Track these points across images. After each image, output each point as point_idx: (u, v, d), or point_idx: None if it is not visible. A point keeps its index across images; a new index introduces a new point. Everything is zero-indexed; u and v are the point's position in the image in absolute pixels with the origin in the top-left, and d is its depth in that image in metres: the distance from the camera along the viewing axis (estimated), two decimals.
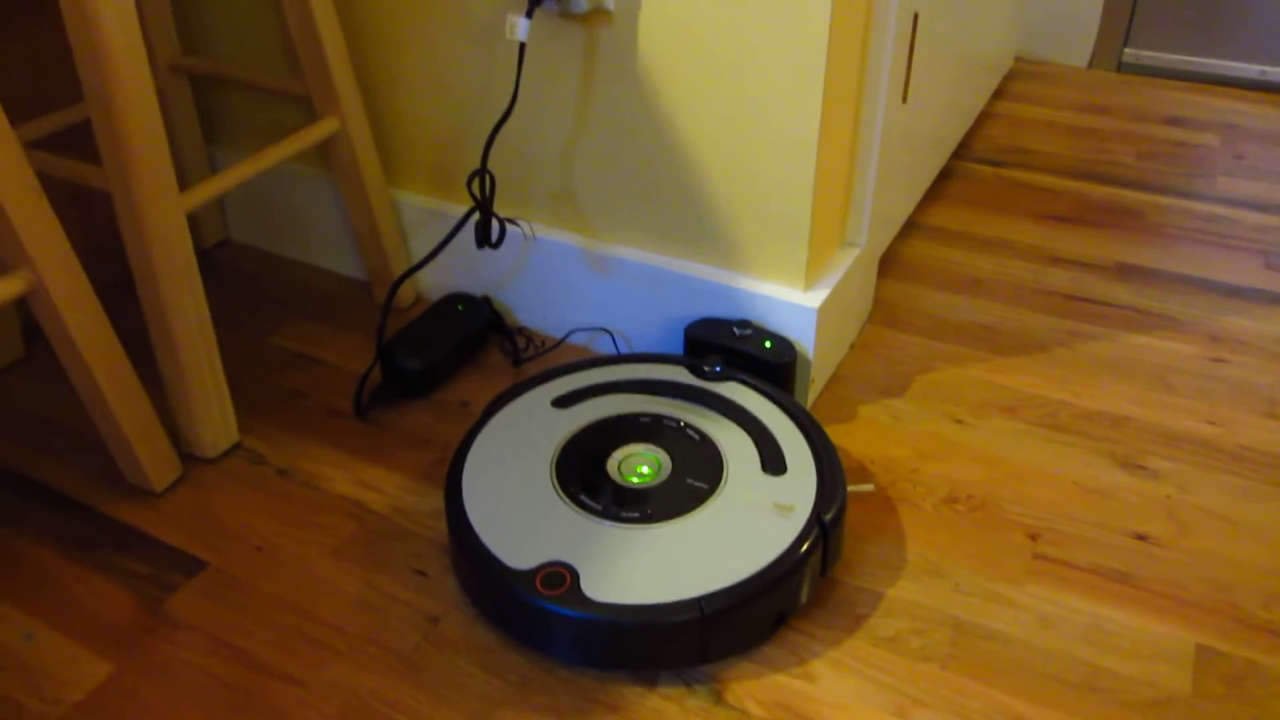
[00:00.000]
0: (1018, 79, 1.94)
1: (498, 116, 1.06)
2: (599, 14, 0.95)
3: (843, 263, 1.06)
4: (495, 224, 1.05)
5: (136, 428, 0.93)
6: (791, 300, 0.99)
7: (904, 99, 1.08)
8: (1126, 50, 1.97)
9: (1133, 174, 1.57)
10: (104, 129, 0.84)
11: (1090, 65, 2.00)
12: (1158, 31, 1.94)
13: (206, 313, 0.95)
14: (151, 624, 0.83)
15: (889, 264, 1.32)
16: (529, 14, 0.92)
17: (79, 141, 1.17)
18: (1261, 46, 1.86)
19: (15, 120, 1.07)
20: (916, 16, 1.05)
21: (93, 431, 1.03)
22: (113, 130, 0.83)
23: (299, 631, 0.82)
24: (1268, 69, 1.87)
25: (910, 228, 1.41)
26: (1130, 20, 1.95)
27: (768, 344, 0.98)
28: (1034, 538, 0.91)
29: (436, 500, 0.95)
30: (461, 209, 1.15)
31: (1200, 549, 0.90)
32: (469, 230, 1.14)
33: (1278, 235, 1.40)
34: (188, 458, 1.00)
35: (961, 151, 1.65)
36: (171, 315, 0.92)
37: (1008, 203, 1.49)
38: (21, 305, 1.14)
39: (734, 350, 0.98)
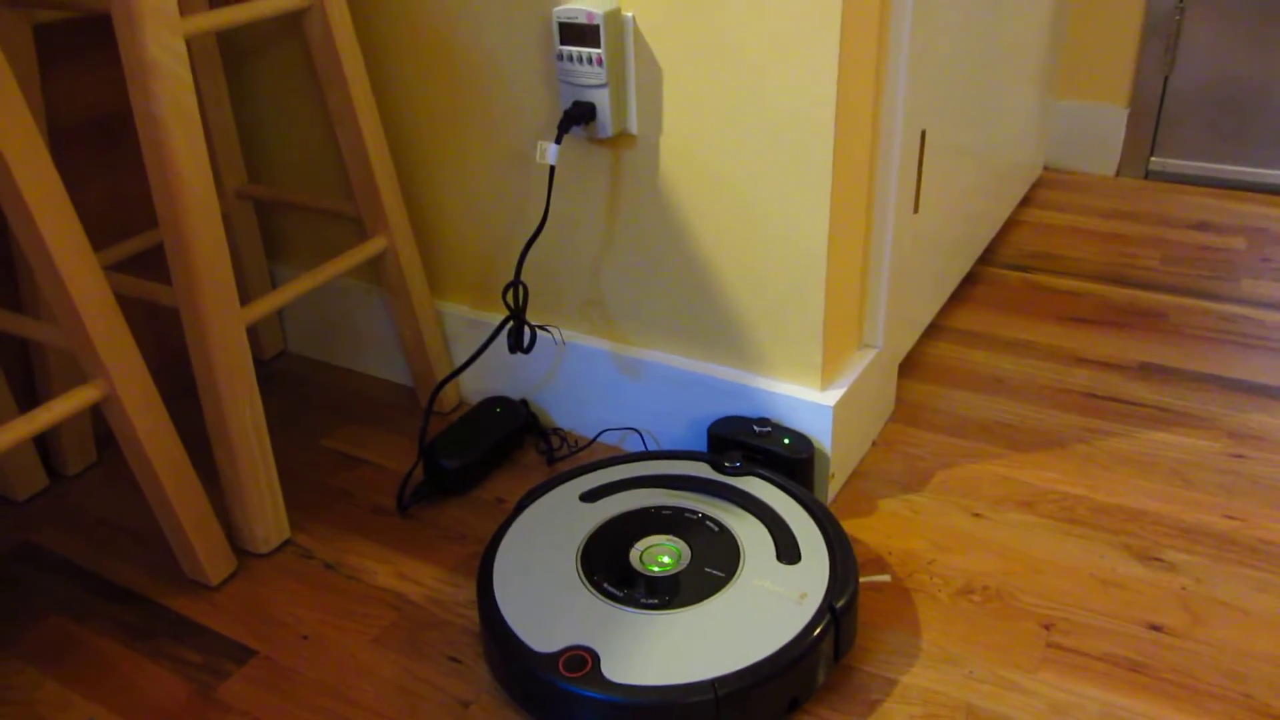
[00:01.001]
0: (1045, 187, 2.00)
1: (531, 232, 1.15)
2: (624, 138, 1.04)
3: (859, 363, 1.11)
4: (527, 332, 1.13)
5: (195, 525, 1.00)
6: (809, 399, 1.04)
7: (915, 209, 1.15)
8: (1153, 159, 2.03)
9: (1157, 277, 1.61)
10: (174, 251, 0.93)
11: (1117, 174, 2.06)
12: (1183, 140, 2.00)
13: (262, 418, 1.03)
14: (203, 709, 0.89)
15: (913, 365, 1.37)
16: (558, 140, 1.01)
17: (151, 264, 1.28)
18: None
19: (95, 246, 1.18)
20: (924, 133, 1.12)
21: (154, 531, 1.11)
22: (182, 253, 0.92)
23: (340, 716, 0.87)
24: None
25: (935, 330, 1.46)
26: (1156, 129, 2.01)
27: (786, 441, 1.03)
28: (1048, 627, 0.93)
29: (471, 591, 1.00)
30: (499, 317, 1.23)
31: (1214, 639, 0.92)
32: (505, 337, 1.21)
33: None
34: (242, 553, 1.06)
35: (987, 257, 1.70)
36: (230, 420, 0.99)
37: (1032, 306, 1.53)
38: (95, 416, 1.23)
39: (754, 447, 1.03)
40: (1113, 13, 1.96)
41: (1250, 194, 1.94)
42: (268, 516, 1.06)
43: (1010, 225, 1.83)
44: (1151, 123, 2.00)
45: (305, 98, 1.25)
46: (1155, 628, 0.93)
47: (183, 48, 0.88)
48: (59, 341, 0.92)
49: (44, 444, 1.20)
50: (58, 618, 1.00)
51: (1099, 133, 2.04)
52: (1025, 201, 1.94)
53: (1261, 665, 0.89)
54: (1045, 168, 2.11)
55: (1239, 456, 1.16)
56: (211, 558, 1.02)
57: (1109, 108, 2.01)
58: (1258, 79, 1.89)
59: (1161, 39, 1.93)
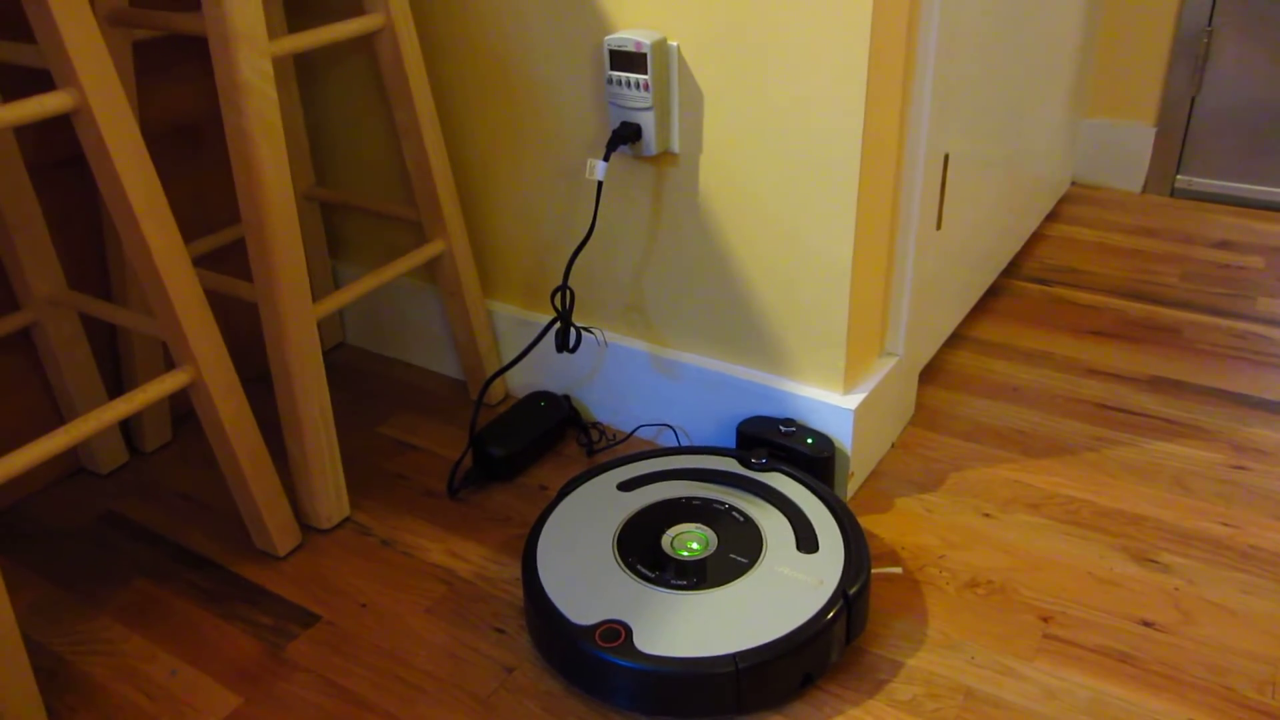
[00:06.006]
0: (1072, 202, 2.06)
1: (579, 241, 1.24)
2: (666, 156, 1.12)
3: (880, 370, 1.19)
4: (573, 332, 1.22)
5: (267, 500, 1.10)
6: (831, 402, 1.13)
7: (937, 227, 1.23)
8: (1179, 176, 2.08)
9: (1175, 293, 1.68)
10: (256, 253, 1.02)
11: (1143, 190, 2.11)
12: (1209, 159, 2.05)
13: (329, 406, 1.12)
14: (273, 665, 0.99)
15: (934, 372, 1.45)
16: (606, 158, 1.09)
17: (224, 257, 1.38)
18: None
19: None
20: (947, 156, 1.20)
21: (225, 504, 1.21)
22: (264, 254, 1.02)
23: (395, 675, 0.97)
24: None
25: (957, 339, 1.54)
26: (1182, 148, 2.06)
27: (809, 440, 1.11)
28: (1046, 620, 1.01)
29: (515, 569, 1.09)
30: (546, 318, 1.32)
31: (1201, 636, 0.99)
32: (552, 337, 1.31)
33: None
34: (306, 528, 1.16)
35: (1012, 270, 1.77)
36: (300, 407, 1.09)
37: (1051, 318, 1.60)
38: (171, 398, 1.33)
39: (779, 445, 1.12)
40: (1142, 33, 2.01)
41: (1273, 214, 1.99)
42: (330, 496, 1.15)
43: (1036, 239, 1.90)
44: (1178, 141, 2.06)
45: (370, 107, 1.34)
46: (1146, 624, 1.01)
47: (270, 68, 0.98)
48: (153, 331, 1.02)
49: (125, 422, 1.30)
50: (142, 580, 1.10)
51: (1126, 150, 2.10)
52: (1051, 216, 2.00)
53: (1243, 661, 0.96)
54: (1073, 183, 2.17)
55: (1240, 468, 1.23)
56: (279, 531, 1.12)
57: (1137, 126, 2.07)
58: None
59: (1190, 59, 1.98)
